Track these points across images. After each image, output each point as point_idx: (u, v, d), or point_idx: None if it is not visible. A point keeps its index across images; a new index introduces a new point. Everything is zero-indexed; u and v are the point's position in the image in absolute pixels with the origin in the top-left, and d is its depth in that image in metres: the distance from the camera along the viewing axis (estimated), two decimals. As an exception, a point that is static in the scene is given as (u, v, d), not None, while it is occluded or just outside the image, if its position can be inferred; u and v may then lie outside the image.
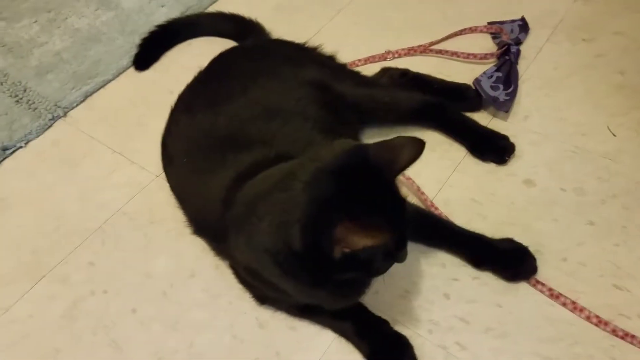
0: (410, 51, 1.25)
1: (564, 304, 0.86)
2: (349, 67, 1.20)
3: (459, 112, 1.11)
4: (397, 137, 0.74)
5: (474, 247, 0.92)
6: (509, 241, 0.92)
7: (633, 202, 0.96)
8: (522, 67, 1.19)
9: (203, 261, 0.97)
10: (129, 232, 1.04)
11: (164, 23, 1.38)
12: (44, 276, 1.00)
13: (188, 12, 1.47)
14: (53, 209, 1.09)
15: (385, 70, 1.21)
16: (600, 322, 0.83)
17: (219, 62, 1.10)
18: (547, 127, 1.09)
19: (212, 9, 1.46)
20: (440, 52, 1.22)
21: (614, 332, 0.82)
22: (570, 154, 1.04)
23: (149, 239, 1.03)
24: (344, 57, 1.20)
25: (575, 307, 0.85)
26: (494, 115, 1.11)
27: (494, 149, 1.06)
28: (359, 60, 1.25)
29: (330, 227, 0.65)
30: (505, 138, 1.06)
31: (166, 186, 1.07)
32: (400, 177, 0.99)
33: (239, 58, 1.10)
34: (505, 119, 1.11)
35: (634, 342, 0.81)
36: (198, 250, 0.99)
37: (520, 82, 1.15)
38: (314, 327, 0.89)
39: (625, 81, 1.15)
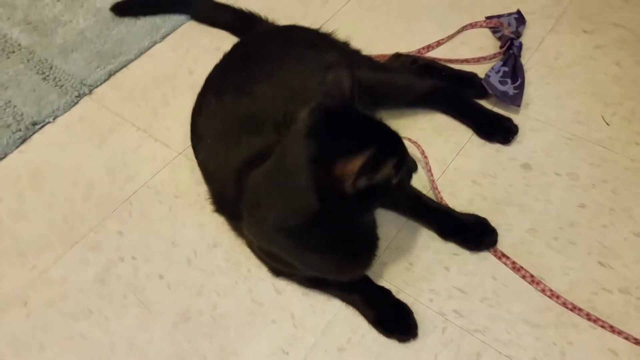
0: (420, 54, 1.32)
1: (523, 277, 0.96)
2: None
3: (467, 97, 1.20)
4: (331, 75, 0.82)
5: (441, 220, 1.03)
6: (474, 216, 1.02)
7: (621, 186, 1.06)
8: (526, 56, 1.28)
9: (224, 232, 1.07)
10: (155, 205, 1.14)
11: None
12: (76, 242, 1.10)
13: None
14: (83, 181, 1.19)
15: (397, 56, 1.29)
16: (553, 295, 0.94)
17: (245, 46, 1.18)
18: (547, 114, 1.18)
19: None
20: (450, 61, 1.28)
21: (564, 304, 0.93)
22: (566, 141, 1.13)
23: (174, 211, 1.12)
24: (356, 44, 1.28)
25: (532, 280, 0.96)
26: (497, 102, 1.20)
27: (499, 130, 1.15)
28: (381, 54, 1.31)
29: (330, 171, 0.74)
30: (509, 120, 1.15)
31: (189, 163, 1.17)
32: (419, 156, 1.09)
33: (264, 42, 1.17)
34: (507, 105, 1.19)
35: (581, 313, 0.92)
36: (219, 222, 1.09)
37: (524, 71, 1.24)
38: (324, 296, 0.99)
39: (621, 72, 1.23)
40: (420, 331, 0.93)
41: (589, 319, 0.91)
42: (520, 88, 1.18)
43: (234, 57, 1.15)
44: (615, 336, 0.90)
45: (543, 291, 0.95)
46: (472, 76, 1.21)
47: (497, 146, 1.14)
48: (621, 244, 0.99)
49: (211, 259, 1.05)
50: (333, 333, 0.94)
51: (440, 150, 1.14)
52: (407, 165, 0.86)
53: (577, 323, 0.92)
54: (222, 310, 0.98)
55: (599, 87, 1.21)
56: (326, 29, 1.26)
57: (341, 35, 1.25)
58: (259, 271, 1.02)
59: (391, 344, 0.92)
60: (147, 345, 0.96)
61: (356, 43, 1.25)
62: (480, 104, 1.19)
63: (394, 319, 0.94)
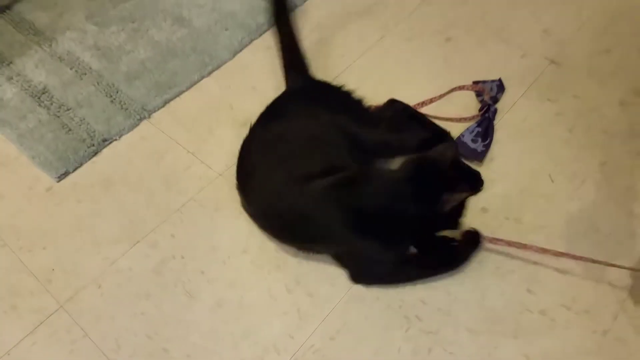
0: (408, 105, 1.65)
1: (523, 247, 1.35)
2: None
3: None
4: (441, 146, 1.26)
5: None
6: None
7: (554, 233, 1.41)
8: (499, 116, 1.62)
9: (252, 241, 1.44)
10: (199, 215, 1.50)
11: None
12: (138, 241, 1.47)
13: (247, 37, 1.89)
14: (145, 190, 1.56)
15: (392, 102, 1.63)
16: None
17: (279, 104, 1.54)
18: (506, 168, 1.52)
19: (265, 37, 1.88)
20: (436, 117, 1.62)
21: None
22: (517, 192, 1.48)
23: (214, 221, 1.49)
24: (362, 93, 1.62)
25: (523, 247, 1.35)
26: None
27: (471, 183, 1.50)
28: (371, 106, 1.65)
29: (435, 202, 1.22)
30: (478, 175, 1.50)
31: (227, 183, 1.53)
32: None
33: (291, 102, 1.54)
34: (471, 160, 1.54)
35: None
36: (248, 232, 1.45)
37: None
38: (326, 292, 1.35)
39: (572, 137, 1.58)
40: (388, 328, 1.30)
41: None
42: (488, 146, 1.53)
43: (270, 113, 1.51)
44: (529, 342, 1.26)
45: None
46: (446, 133, 1.57)
47: (464, 192, 1.49)
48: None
49: (241, 261, 1.42)
50: (328, 325, 1.31)
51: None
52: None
53: (505, 331, 1.28)
54: (247, 301, 1.36)
55: (552, 150, 1.56)
56: (340, 80, 1.61)
57: (351, 84, 1.59)
58: (276, 273, 1.39)
59: (371, 333, 1.29)
60: (190, 323, 1.33)
61: (362, 91, 1.59)
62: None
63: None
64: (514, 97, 1.67)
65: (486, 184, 1.49)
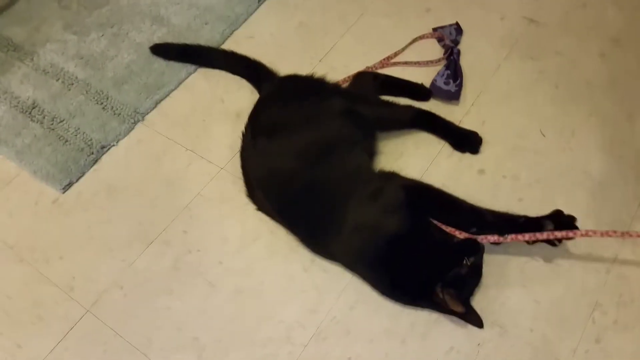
0: (383, 64, 1.80)
1: None
2: (341, 82, 1.74)
3: (443, 118, 1.66)
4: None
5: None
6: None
7: (551, 184, 1.54)
8: (484, 82, 1.75)
9: (263, 228, 1.56)
10: (207, 209, 1.62)
11: (195, 46, 1.91)
12: (152, 241, 1.58)
13: (228, 29, 2.00)
14: (149, 192, 1.66)
15: (360, 75, 1.76)
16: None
17: (262, 109, 1.64)
18: (497, 130, 1.66)
19: (245, 27, 1.99)
20: (406, 63, 1.79)
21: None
22: (511, 151, 1.62)
23: (223, 214, 1.60)
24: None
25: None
26: (462, 120, 1.68)
27: (470, 143, 1.63)
28: (348, 76, 1.77)
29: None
30: (476, 134, 1.63)
31: (229, 176, 1.64)
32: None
33: (273, 103, 1.63)
34: (471, 122, 1.67)
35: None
36: (257, 221, 1.57)
37: (481, 94, 1.72)
38: (339, 269, 1.47)
39: (557, 93, 1.71)
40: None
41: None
42: (460, 86, 1.69)
43: (266, 106, 1.62)
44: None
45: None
46: (420, 85, 1.72)
47: (460, 156, 1.62)
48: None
49: (255, 249, 1.54)
50: (346, 297, 1.44)
51: (419, 160, 1.62)
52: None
53: (512, 282, 1.42)
54: (266, 285, 1.48)
55: (539, 107, 1.69)
56: (326, 60, 1.74)
57: (337, 64, 1.74)
58: (292, 255, 1.51)
59: (386, 303, 1.42)
60: (214, 311, 1.45)
61: (349, 70, 1.73)
62: (453, 123, 1.66)
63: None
64: (497, 61, 1.80)
65: (481, 147, 1.62)
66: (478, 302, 1.39)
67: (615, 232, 1.32)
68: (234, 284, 1.49)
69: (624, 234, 1.32)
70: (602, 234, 1.32)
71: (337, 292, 1.45)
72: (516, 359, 1.33)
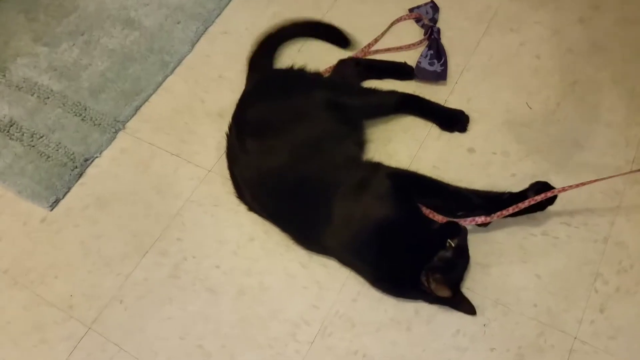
0: (365, 53, 1.81)
1: None
2: (324, 72, 1.75)
3: (428, 100, 1.67)
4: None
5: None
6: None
7: (541, 156, 1.57)
8: (466, 58, 1.77)
9: (257, 228, 1.57)
10: (200, 214, 1.63)
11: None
12: (147, 251, 1.59)
13: (201, 26, 1.98)
14: (139, 202, 1.67)
15: (342, 62, 1.77)
16: None
17: (252, 96, 1.65)
18: (483, 106, 1.67)
19: (218, 23, 1.98)
20: (388, 50, 1.80)
21: None
22: (499, 126, 1.64)
23: (215, 217, 1.61)
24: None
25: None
26: (447, 99, 1.70)
27: (457, 122, 1.65)
28: (330, 66, 1.77)
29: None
30: (462, 112, 1.65)
31: (218, 178, 1.65)
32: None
33: (262, 106, 1.60)
34: (456, 101, 1.69)
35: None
36: (251, 222, 1.58)
37: (464, 72, 1.73)
38: (337, 264, 1.50)
39: (540, 64, 1.73)
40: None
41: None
42: (445, 65, 1.70)
43: (248, 105, 1.62)
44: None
45: None
46: (403, 64, 1.74)
47: (448, 137, 1.64)
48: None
49: (251, 249, 1.55)
50: (347, 290, 1.46)
51: (408, 145, 1.64)
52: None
53: (513, 259, 1.44)
54: (266, 284, 1.50)
55: (523, 80, 1.71)
56: (305, 49, 1.75)
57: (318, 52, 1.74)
58: (289, 253, 1.53)
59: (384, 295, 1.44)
60: (218, 316, 1.47)
61: (331, 58, 1.74)
62: (438, 104, 1.68)
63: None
64: (477, 37, 1.82)
65: (469, 126, 1.64)
66: (479, 282, 1.42)
67: (589, 181, 1.36)
68: (233, 287, 1.50)
69: (596, 180, 1.36)
70: (576, 186, 1.35)
71: (338, 285, 1.47)
72: (523, 335, 1.36)
